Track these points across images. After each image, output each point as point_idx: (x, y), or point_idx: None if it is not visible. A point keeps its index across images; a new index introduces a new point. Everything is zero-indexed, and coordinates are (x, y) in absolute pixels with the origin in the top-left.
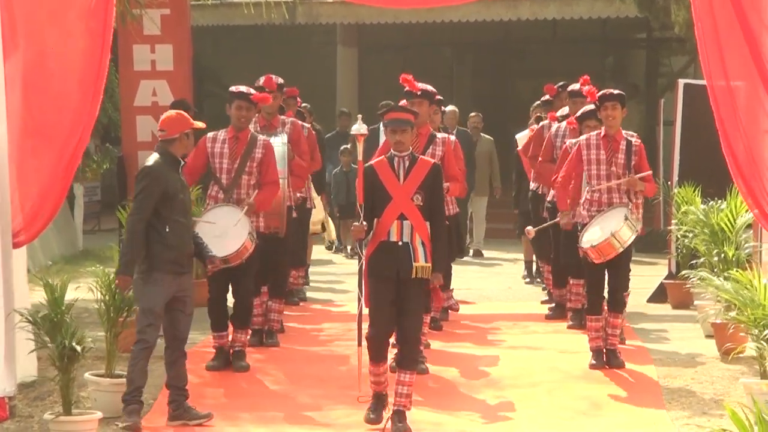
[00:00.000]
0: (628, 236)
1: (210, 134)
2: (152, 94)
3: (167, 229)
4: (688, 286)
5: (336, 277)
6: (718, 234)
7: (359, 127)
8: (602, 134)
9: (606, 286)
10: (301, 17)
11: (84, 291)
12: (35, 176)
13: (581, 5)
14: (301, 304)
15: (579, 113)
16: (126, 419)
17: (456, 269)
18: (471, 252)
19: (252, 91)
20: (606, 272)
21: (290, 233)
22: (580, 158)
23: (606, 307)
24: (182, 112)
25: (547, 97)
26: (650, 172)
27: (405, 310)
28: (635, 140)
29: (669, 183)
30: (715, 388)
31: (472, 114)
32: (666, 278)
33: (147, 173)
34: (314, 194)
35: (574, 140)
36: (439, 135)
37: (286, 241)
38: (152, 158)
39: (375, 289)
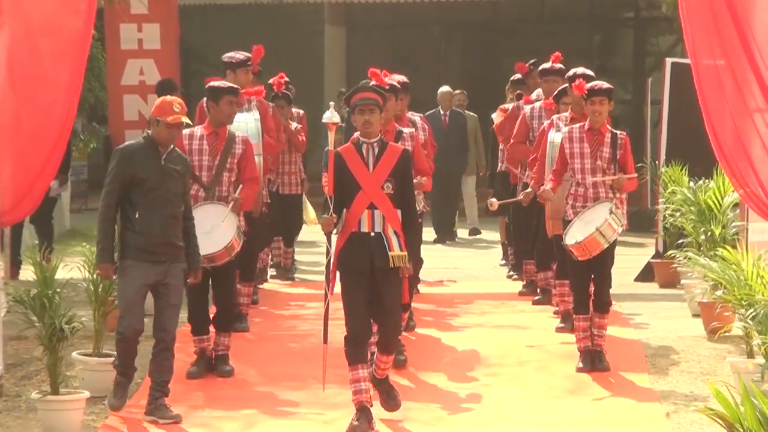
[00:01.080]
0: (613, 231)
1: (186, 131)
2: (139, 73)
3: (137, 216)
4: (675, 265)
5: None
6: (705, 213)
7: (331, 116)
8: (586, 127)
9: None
10: None
11: (71, 270)
12: (22, 156)
13: None
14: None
15: (555, 93)
16: (110, 400)
17: (444, 248)
18: (468, 231)
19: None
20: (591, 269)
21: (262, 216)
22: (563, 157)
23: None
24: (170, 99)
25: (518, 76)
26: (635, 175)
27: (384, 308)
28: (621, 133)
29: (656, 162)
30: (701, 367)
31: (457, 91)
32: (653, 257)
33: (114, 156)
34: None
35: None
36: (406, 130)
37: (257, 225)
38: (130, 140)
39: (349, 287)
